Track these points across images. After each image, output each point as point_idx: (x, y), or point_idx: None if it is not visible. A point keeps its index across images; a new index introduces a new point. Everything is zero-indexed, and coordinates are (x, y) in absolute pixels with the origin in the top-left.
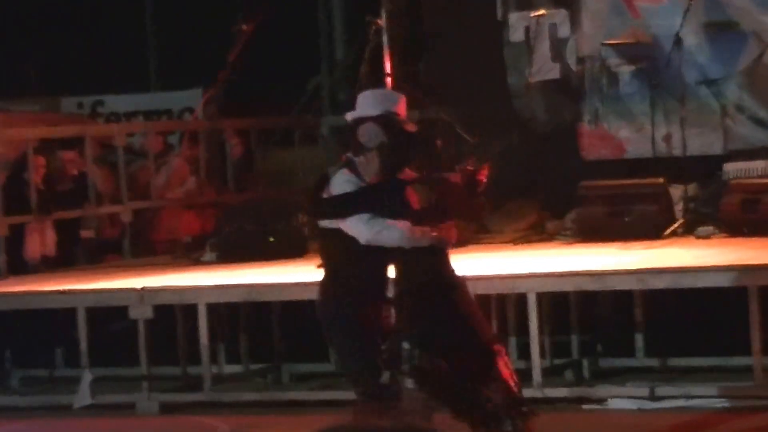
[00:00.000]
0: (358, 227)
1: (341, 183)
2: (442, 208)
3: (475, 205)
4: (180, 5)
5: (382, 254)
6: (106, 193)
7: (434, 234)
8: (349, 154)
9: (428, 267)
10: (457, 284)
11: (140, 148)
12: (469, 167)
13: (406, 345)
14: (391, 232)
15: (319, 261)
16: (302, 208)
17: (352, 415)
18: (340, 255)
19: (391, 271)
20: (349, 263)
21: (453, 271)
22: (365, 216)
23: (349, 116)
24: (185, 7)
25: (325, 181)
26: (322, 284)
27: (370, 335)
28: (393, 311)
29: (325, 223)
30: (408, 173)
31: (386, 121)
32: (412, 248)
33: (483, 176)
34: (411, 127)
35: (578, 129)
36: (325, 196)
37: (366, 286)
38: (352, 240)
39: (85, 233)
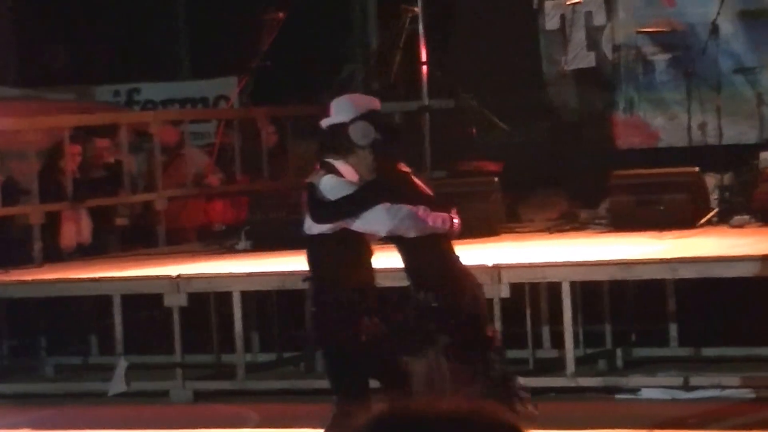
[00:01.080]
0: (379, 218)
1: (337, 186)
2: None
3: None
4: None
5: (369, 257)
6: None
7: (452, 219)
8: (329, 159)
9: (441, 257)
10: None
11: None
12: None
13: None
14: (412, 219)
15: (292, 254)
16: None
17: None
18: (332, 262)
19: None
20: (342, 270)
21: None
22: (384, 206)
23: (327, 122)
24: None
25: (314, 189)
26: (315, 295)
27: (365, 345)
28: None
29: (315, 229)
30: (402, 167)
31: (376, 118)
32: (420, 243)
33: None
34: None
35: (612, 117)
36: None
37: (358, 293)
38: (348, 243)
39: (120, 221)
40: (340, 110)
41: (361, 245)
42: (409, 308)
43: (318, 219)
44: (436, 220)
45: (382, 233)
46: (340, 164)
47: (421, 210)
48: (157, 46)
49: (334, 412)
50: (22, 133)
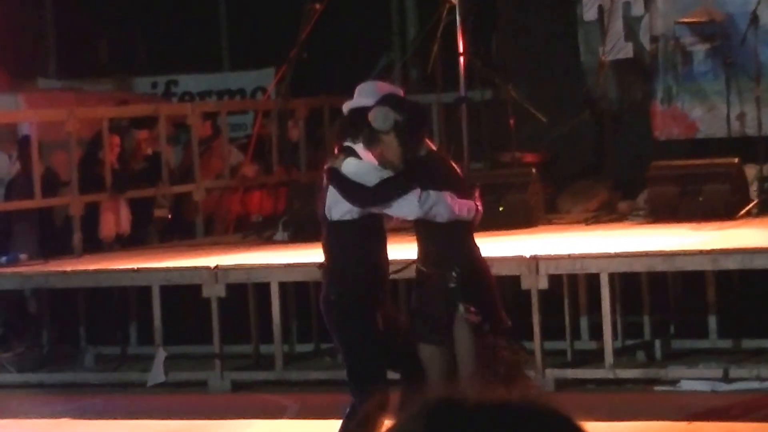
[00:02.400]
0: (411, 205)
1: (363, 169)
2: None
3: None
4: None
5: (385, 244)
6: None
7: (477, 206)
8: (348, 143)
9: (461, 240)
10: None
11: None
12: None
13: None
14: (441, 207)
15: (320, 261)
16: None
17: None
18: (353, 248)
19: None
20: (361, 256)
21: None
22: (415, 193)
23: (348, 105)
24: None
25: (337, 172)
26: (333, 280)
27: (383, 334)
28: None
29: (336, 214)
30: (429, 145)
31: (395, 101)
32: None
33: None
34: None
35: (651, 108)
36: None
37: (377, 280)
38: (366, 230)
39: (159, 212)
40: (362, 94)
41: (380, 231)
42: (425, 292)
43: (355, 202)
44: (462, 208)
45: (411, 218)
46: (359, 148)
47: (449, 196)
48: (195, 38)
49: (351, 402)
50: (62, 124)
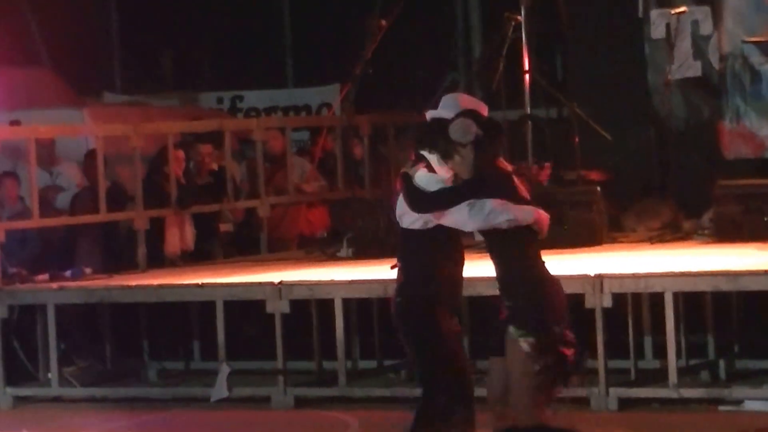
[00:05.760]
0: (461, 214)
1: (430, 182)
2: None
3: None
4: (317, 1)
5: (459, 255)
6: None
7: (538, 212)
8: (424, 152)
9: (522, 261)
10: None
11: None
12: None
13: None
14: (496, 213)
15: (393, 262)
16: (391, 206)
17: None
18: (421, 255)
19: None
20: (430, 264)
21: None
22: (467, 203)
23: (431, 114)
24: (322, 3)
25: (409, 179)
26: (405, 287)
27: (457, 339)
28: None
29: (406, 221)
30: (503, 164)
31: (476, 114)
32: (507, 244)
33: (544, 177)
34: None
35: (718, 127)
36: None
37: (449, 289)
38: (437, 241)
39: (224, 227)
40: (445, 106)
41: (452, 242)
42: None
43: (414, 207)
44: (518, 212)
45: (468, 229)
46: (433, 159)
47: (497, 202)
48: (261, 54)
49: (419, 405)
50: (128, 139)
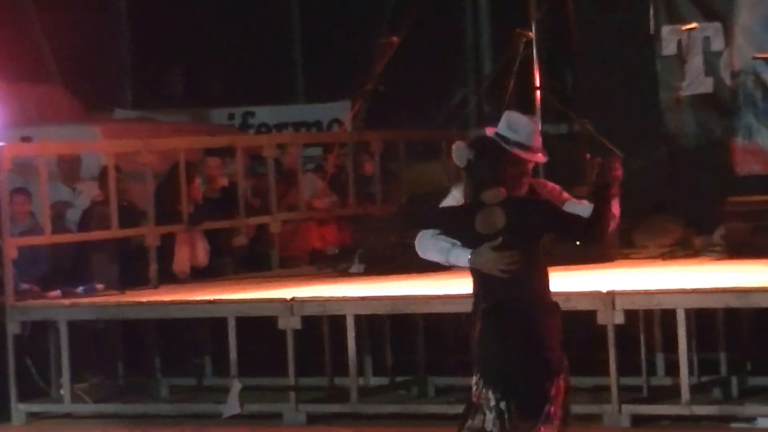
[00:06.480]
0: (417, 241)
1: (447, 199)
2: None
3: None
4: (328, 17)
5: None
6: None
7: (500, 263)
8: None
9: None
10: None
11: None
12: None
13: None
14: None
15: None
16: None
17: None
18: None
19: None
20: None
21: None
22: (429, 232)
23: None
24: (333, 19)
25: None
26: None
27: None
28: None
29: None
30: (497, 193)
31: (478, 141)
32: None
33: (617, 170)
34: (526, 155)
35: (730, 144)
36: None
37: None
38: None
39: (237, 240)
40: (501, 122)
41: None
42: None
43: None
44: (431, 253)
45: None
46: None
47: (422, 236)
48: (271, 70)
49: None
50: (139, 155)
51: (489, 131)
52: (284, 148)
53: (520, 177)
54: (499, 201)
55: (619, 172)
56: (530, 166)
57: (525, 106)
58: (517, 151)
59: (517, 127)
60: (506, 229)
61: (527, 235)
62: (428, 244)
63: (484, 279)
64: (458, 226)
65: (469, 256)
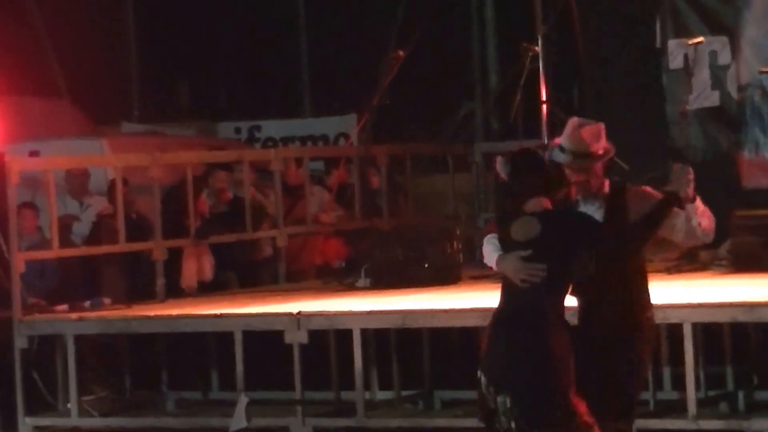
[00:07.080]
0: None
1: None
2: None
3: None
4: (334, 31)
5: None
6: None
7: (526, 271)
8: None
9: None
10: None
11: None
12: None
13: None
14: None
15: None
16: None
17: None
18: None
19: None
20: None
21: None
22: (490, 236)
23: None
24: (339, 33)
25: None
26: None
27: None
28: None
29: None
30: (543, 204)
31: (520, 157)
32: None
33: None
34: (575, 164)
35: (737, 157)
36: None
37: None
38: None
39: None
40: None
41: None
42: None
43: None
44: (487, 256)
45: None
46: None
47: (492, 255)
48: (278, 84)
49: None
50: (147, 169)
51: (555, 143)
52: (285, 162)
53: (566, 186)
54: (539, 211)
55: (691, 176)
56: (593, 170)
57: (531, 119)
58: (565, 160)
59: (566, 134)
60: (539, 239)
61: (559, 249)
62: (485, 247)
63: (508, 285)
64: (500, 232)
65: (496, 259)
